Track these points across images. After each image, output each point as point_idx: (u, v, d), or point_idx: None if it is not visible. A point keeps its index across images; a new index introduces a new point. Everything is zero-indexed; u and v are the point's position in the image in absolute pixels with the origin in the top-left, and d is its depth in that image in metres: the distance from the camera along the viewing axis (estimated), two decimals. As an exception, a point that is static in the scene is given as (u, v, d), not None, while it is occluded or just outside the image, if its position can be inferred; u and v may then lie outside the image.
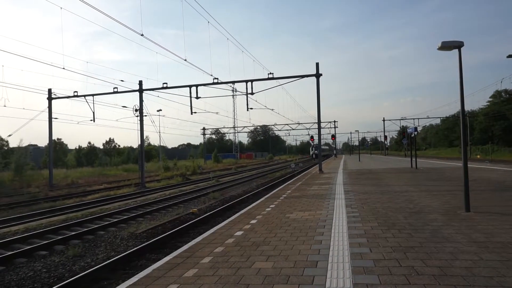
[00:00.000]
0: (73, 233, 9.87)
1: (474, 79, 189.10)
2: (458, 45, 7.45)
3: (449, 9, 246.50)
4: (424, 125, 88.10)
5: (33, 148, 52.48)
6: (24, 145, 36.24)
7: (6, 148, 44.57)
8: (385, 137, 69.53)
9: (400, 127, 70.33)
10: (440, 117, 75.76)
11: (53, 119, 27.95)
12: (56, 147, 57.22)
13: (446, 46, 7.44)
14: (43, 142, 68.18)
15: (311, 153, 79.84)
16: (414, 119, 70.62)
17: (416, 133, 25.38)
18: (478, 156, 49.46)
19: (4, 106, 26.51)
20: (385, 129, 72.32)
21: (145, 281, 4.21)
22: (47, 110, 27.72)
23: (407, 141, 33.66)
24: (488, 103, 70.79)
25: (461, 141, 8.41)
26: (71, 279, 6.01)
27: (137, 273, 4.64)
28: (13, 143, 45.69)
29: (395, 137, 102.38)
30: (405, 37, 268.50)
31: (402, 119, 70.56)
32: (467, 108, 72.84)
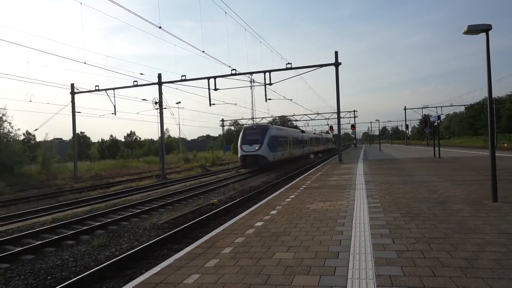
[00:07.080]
0: (98, 223, 10.16)
1: (501, 65, 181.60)
2: (485, 29, 7.06)
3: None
4: (447, 113, 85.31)
5: (58, 142, 54.10)
6: (49, 139, 37.53)
7: (33, 142, 46.18)
8: (407, 126, 67.62)
9: (422, 116, 68.30)
10: (464, 105, 72.76)
11: (76, 113, 28.69)
12: (80, 140, 58.80)
13: (473, 30, 7.07)
14: (67, 135, 70.03)
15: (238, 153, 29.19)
16: (436, 107, 67.81)
17: (439, 121, 24.64)
18: (505, 145, 47.63)
19: (30, 101, 27.52)
20: (406, 118, 70.27)
21: (167, 271, 4.28)
22: (71, 104, 28.47)
23: (430, 130, 32.70)
24: (516, 89, 67.87)
25: (488, 129, 8.09)
26: (97, 268, 6.20)
27: (160, 263, 4.72)
28: (39, 137, 47.39)
29: (417, 126, 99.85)
30: (426, 23, 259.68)
31: (424, 108, 68.34)
32: (494, 94, 69.93)
